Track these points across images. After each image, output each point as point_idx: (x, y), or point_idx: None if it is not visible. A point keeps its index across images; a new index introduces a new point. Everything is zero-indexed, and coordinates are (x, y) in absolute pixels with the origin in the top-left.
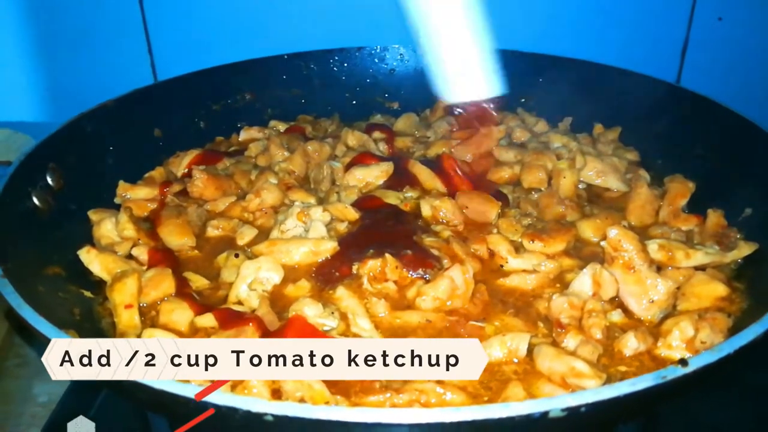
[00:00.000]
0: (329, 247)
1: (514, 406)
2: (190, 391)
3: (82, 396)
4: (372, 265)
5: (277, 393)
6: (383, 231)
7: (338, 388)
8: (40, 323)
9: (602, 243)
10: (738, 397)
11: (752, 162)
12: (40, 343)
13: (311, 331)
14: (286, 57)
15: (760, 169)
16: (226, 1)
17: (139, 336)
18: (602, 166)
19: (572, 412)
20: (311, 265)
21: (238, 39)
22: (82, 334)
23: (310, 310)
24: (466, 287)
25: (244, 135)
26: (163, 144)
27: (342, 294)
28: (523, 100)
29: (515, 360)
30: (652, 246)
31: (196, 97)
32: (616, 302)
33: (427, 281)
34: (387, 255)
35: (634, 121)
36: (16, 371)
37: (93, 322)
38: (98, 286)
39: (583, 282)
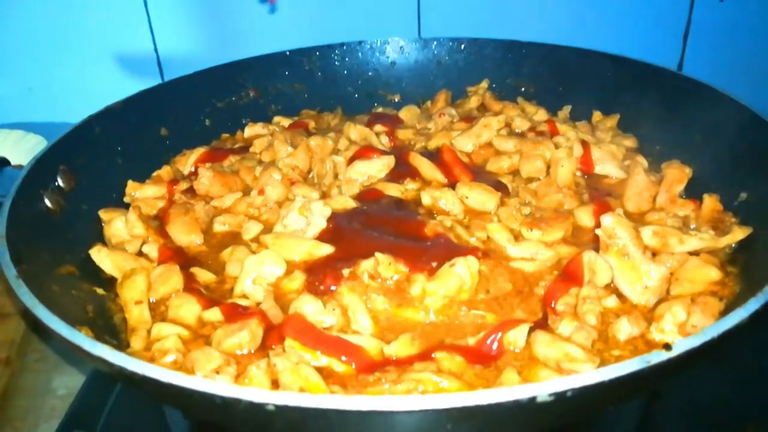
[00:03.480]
0: (324, 253)
1: (502, 392)
2: (195, 384)
3: (100, 388)
4: (365, 265)
5: (276, 384)
6: (384, 215)
7: (335, 379)
8: (54, 322)
9: (597, 231)
10: (738, 375)
11: (748, 147)
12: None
13: (309, 329)
14: (288, 53)
15: (755, 153)
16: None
17: (149, 330)
18: (600, 154)
19: (559, 396)
20: (309, 261)
21: (241, 37)
22: (96, 330)
23: (310, 308)
24: (472, 281)
25: (248, 131)
26: (170, 142)
27: (343, 290)
28: (523, 89)
29: (514, 349)
30: (646, 233)
31: (201, 95)
32: (611, 288)
33: (432, 276)
34: (377, 254)
35: (633, 108)
36: (35, 366)
37: (105, 318)
38: (110, 283)
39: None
